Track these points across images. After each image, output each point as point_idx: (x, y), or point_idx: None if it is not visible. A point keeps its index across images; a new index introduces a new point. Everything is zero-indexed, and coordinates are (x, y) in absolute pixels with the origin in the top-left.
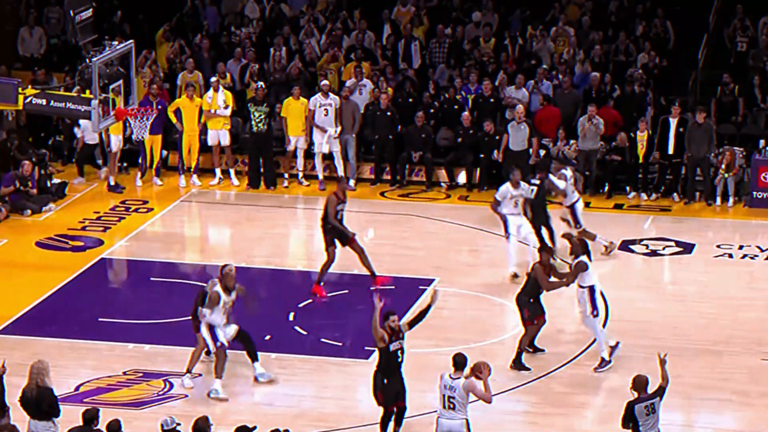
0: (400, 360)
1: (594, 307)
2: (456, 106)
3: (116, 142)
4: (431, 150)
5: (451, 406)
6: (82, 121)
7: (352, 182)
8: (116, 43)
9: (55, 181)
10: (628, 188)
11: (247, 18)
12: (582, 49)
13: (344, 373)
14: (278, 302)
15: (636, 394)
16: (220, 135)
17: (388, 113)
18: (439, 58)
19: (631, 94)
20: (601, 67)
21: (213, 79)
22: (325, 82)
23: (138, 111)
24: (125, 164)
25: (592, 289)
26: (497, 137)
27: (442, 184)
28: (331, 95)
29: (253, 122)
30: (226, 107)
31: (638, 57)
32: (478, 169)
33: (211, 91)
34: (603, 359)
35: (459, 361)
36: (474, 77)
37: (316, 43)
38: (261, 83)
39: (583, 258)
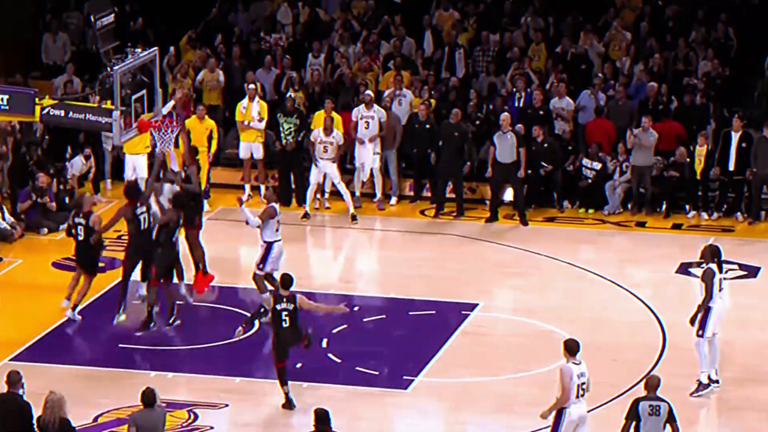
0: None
1: (702, 327)
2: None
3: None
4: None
5: (581, 393)
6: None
7: (394, 200)
8: (139, 50)
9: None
10: (687, 207)
11: (280, 24)
12: (638, 56)
13: (379, 404)
14: (310, 328)
15: (645, 393)
16: (252, 148)
17: (427, 126)
18: (483, 66)
19: (691, 106)
20: (659, 77)
21: (251, 86)
22: (368, 92)
23: (161, 123)
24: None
25: (708, 309)
26: (545, 145)
27: (486, 201)
28: (376, 107)
29: (282, 135)
30: (261, 120)
31: (699, 65)
32: (525, 186)
33: (245, 101)
34: (700, 383)
35: (572, 347)
36: (521, 85)
37: (352, 51)
38: (291, 93)
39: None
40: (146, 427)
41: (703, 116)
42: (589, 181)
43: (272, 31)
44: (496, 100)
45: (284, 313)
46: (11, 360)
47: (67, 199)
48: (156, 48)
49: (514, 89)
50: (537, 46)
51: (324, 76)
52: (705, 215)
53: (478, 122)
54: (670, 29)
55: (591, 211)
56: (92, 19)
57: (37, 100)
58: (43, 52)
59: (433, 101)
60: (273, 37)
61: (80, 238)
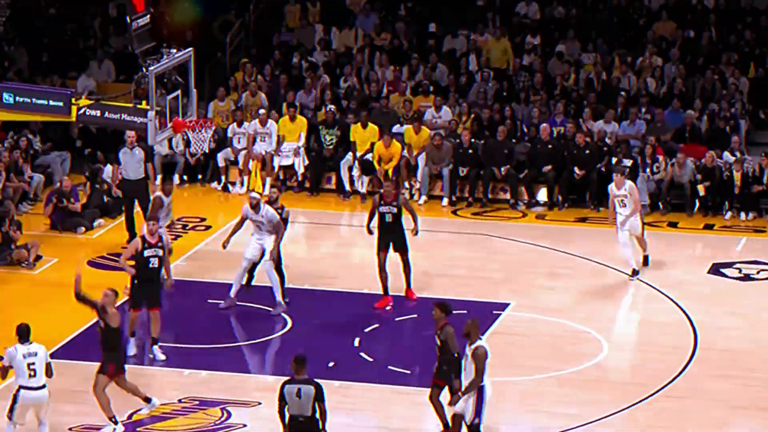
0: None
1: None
2: (539, 146)
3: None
4: (514, 167)
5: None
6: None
7: (424, 198)
8: (175, 51)
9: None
10: (726, 204)
11: (319, 46)
12: (669, 82)
13: (411, 403)
14: (343, 327)
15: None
16: (295, 160)
17: (471, 151)
18: (520, 91)
19: (720, 131)
20: (689, 102)
21: (291, 109)
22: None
23: (196, 123)
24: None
25: None
26: (587, 151)
27: (520, 203)
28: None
29: (324, 144)
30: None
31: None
32: (557, 187)
33: (286, 119)
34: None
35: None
36: (560, 109)
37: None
38: (331, 106)
39: None
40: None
41: (731, 140)
42: None
43: (312, 51)
44: (530, 129)
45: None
46: None
47: (105, 199)
48: (191, 49)
49: (554, 113)
50: (571, 73)
51: (360, 93)
52: (743, 215)
53: (515, 140)
54: (703, 54)
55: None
56: (128, 19)
57: (73, 100)
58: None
59: (469, 123)
60: (312, 58)
61: (154, 266)
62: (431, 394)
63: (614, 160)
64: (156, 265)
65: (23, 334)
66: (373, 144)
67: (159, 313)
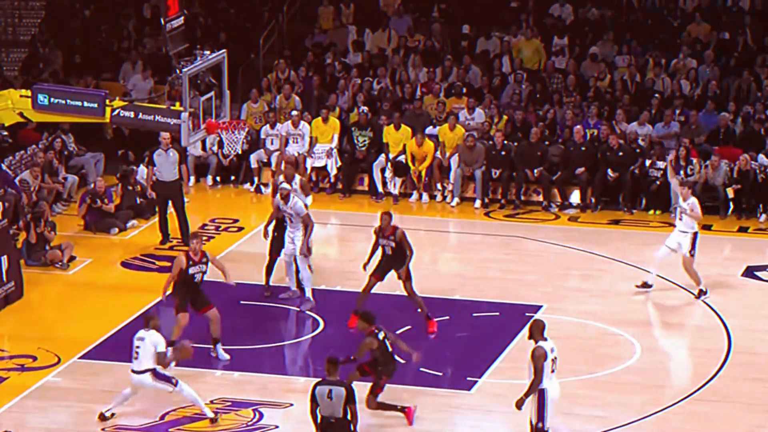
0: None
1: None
2: (572, 148)
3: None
4: (547, 169)
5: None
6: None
7: (456, 200)
8: (208, 52)
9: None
10: (761, 207)
11: (352, 47)
12: (703, 84)
13: (442, 404)
14: None
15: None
16: (328, 162)
17: (503, 153)
18: (553, 93)
19: (752, 132)
20: (724, 104)
21: (324, 110)
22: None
23: (230, 125)
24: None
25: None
26: (621, 153)
27: (553, 205)
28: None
29: (357, 146)
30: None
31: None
32: (590, 189)
33: (318, 120)
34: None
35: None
36: (594, 111)
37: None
38: (364, 108)
39: None
40: None
41: (764, 142)
42: (658, 183)
43: (347, 53)
44: (564, 131)
45: None
46: (80, 358)
47: (138, 200)
48: (224, 50)
49: (588, 116)
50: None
51: (393, 95)
52: None
53: (548, 143)
54: (736, 57)
55: (658, 212)
56: (162, 21)
57: (107, 101)
58: (121, 78)
59: (501, 125)
60: (346, 59)
61: (198, 280)
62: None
63: (648, 162)
64: (200, 280)
65: (145, 321)
66: (405, 146)
67: (215, 311)
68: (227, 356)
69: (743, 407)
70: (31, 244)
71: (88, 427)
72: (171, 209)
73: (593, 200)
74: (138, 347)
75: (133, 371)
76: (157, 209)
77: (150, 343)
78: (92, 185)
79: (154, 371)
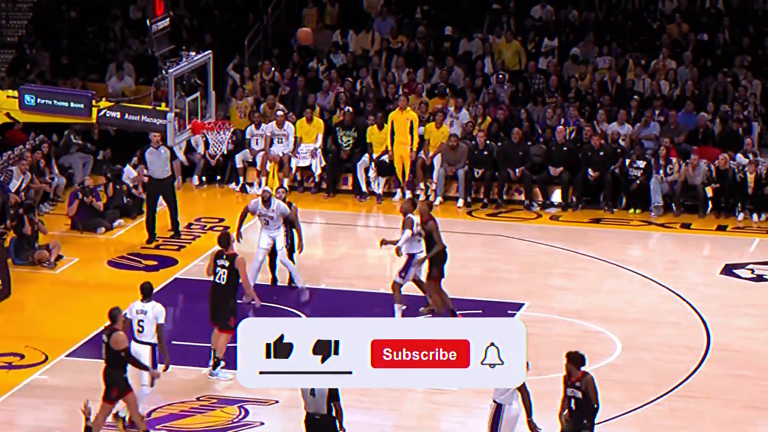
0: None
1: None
2: (554, 148)
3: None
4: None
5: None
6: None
7: (440, 199)
8: (194, 53)
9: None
10: (739, 205)
11: (334, 48)
12: (682, 84)
13: (429, 402)
14: None
15: None
16: (312, 162)
17: (486, 153)
18: (535, 93)
19: (733, 133)
20: (703, 104)
21: (308, 111)
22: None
23: (215, 125)
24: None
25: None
26: (601, 153)
27: (535, 205)
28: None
29: (341, 146)
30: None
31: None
32: (571, 188)
33: (303, 120)
34: None
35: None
36: (574, 112)
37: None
38: (348, 108)
39: None
40: None
41: (744, 141)
42: (638, 182)
43: (329, 54)
44: (546, 131)
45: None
46: (67, 356)
47: (125, 200)
48: (210, 51)
49: (569, 116)
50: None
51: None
52: (755, 217)
53: (530, 143)
54: (715, 56)
55: (638, 211)
56: (148, 22)
57: (94, 102)
58: (107, 81)
59: (485, 125)
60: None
61: (222, 282)
62: None
63: (628, 161)
64: (222, 281)
65: (145, 292)
66: (387, 146)
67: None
68: (230, 377)
69: (723, 403)
70: (19, 242)
71: (75, 424)
72: (160, 208)
73: (574, 199)
74: (141, 321)
75: (136, 341)
76: (145, 208)
77: (153, 315)
78: (83, 182)
79: (153, 348)
